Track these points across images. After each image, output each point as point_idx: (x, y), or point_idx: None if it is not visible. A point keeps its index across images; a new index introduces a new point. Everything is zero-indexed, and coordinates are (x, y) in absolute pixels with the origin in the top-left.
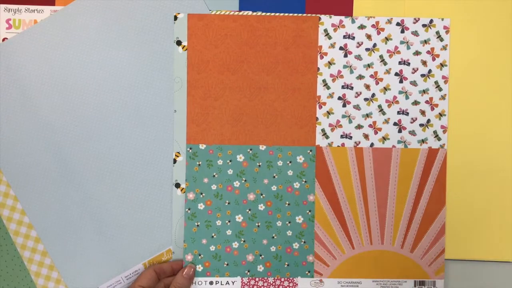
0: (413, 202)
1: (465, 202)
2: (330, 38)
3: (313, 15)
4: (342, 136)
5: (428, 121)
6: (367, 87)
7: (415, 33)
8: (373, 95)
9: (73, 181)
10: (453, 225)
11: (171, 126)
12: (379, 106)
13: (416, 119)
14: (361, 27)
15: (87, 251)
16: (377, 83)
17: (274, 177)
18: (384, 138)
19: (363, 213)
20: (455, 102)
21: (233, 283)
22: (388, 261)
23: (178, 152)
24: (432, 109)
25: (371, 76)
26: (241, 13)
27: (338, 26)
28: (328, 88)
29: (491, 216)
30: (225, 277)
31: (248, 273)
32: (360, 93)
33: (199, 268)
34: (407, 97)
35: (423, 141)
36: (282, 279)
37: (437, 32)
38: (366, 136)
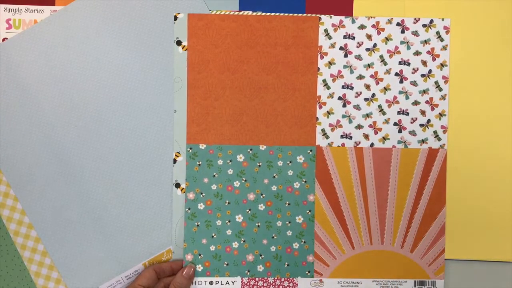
0: (413, 202)
1: (465, 202)
2: (330, 38)
3: (313, 15)
4: (342, 136)
5: (428, 121)
6: (367, 87)
7: (415, 33)
8: (373, 95)
9: (73, 181)
10: (453, 225)
11: (171, 126)
12: (379, 106)
13: (416, 119)
14: (361, 27)
15: (87, 251)
16: (377, 83)
17: (274, 177)
18: (384, 138)
19: (363, 213)
20: (455, 102)
21: (233, 283)
22: (388, 261)
23: (178, 152)
24: (432, 109)
25: (371, 76)
26: (241, 13)
27: (338, 26)
28: (328, 88)
29: (491, 216)
30: (225, 277)
31: (248, 273)
32: (360, 93)
33: (199, 268)
34: (407, 97)
35: (423, 141)
36: (282, 279)
37: (437, 32)
38: (366, 136)
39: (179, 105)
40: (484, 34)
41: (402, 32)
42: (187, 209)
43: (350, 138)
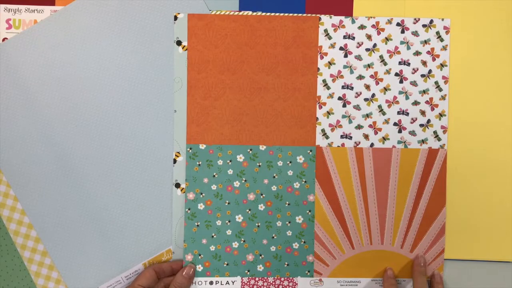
0: (413, 202)
1: (465, 202)
2: (330, 38)
3: (313, 15)
4: (342, 136)
5: (428, 121)
6: (367, 87)
7: (415, 33)
8: (373, 95)
9: (73, 181)
10: (453, 225)
11: (171, 126)
12: (379, 106)
13: (416, 119)
14: (361, 27)
15: (87, 251)
16: (377, 83)
17: (274, 177)
18: (384, 138)
19: (363, 213)
20: (455, 102)
21: (233, 283)
22: (388, 261)
23: (178, 152)
24: (432, 109)
25: (371, 76)
26: (241, 13)
27: (338, 26)
28: (328, 88)
29: (491, 216)
30: (225, 277)
31: (248, 273)
32: (360, 93)
33: (199, 268)
34: (407, 97)
35: (423, 141)
36: (282, 279)
37: (437, 33)
38: (366, 136)
39: (179, 105)
40: (484, 34)
41: (402, 32)
42: (187, 209)
43: (350, 138)
